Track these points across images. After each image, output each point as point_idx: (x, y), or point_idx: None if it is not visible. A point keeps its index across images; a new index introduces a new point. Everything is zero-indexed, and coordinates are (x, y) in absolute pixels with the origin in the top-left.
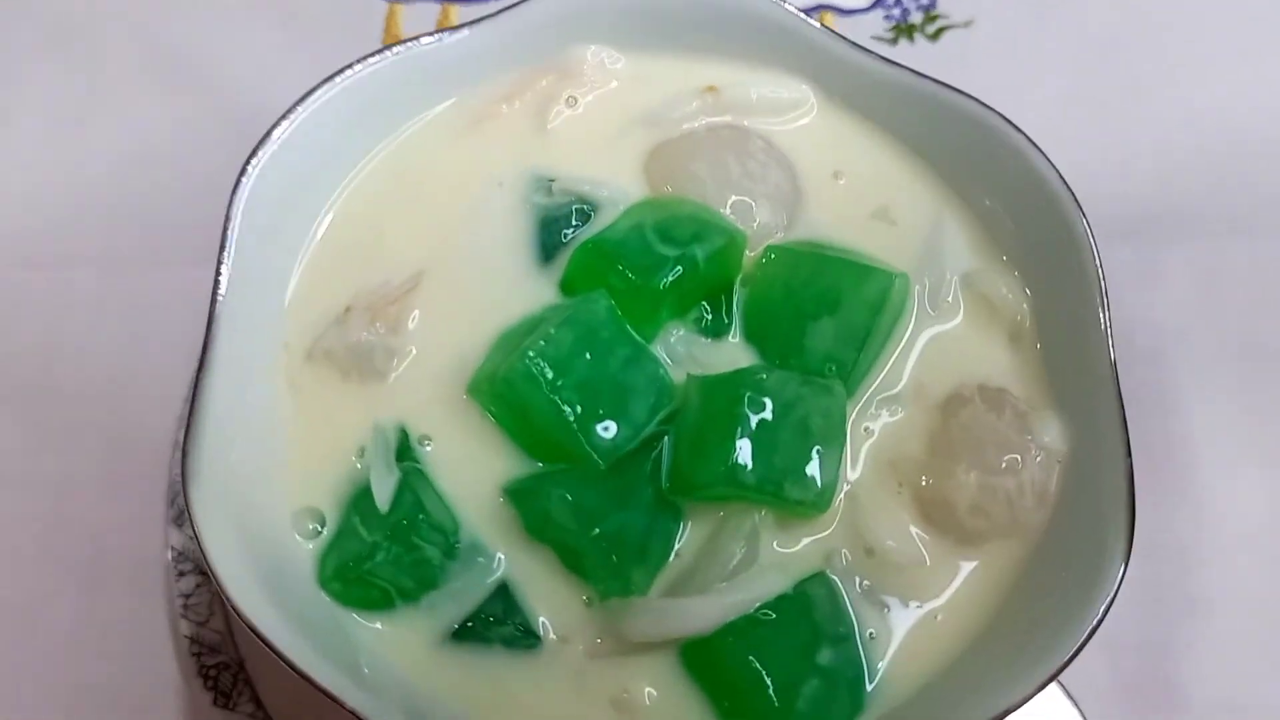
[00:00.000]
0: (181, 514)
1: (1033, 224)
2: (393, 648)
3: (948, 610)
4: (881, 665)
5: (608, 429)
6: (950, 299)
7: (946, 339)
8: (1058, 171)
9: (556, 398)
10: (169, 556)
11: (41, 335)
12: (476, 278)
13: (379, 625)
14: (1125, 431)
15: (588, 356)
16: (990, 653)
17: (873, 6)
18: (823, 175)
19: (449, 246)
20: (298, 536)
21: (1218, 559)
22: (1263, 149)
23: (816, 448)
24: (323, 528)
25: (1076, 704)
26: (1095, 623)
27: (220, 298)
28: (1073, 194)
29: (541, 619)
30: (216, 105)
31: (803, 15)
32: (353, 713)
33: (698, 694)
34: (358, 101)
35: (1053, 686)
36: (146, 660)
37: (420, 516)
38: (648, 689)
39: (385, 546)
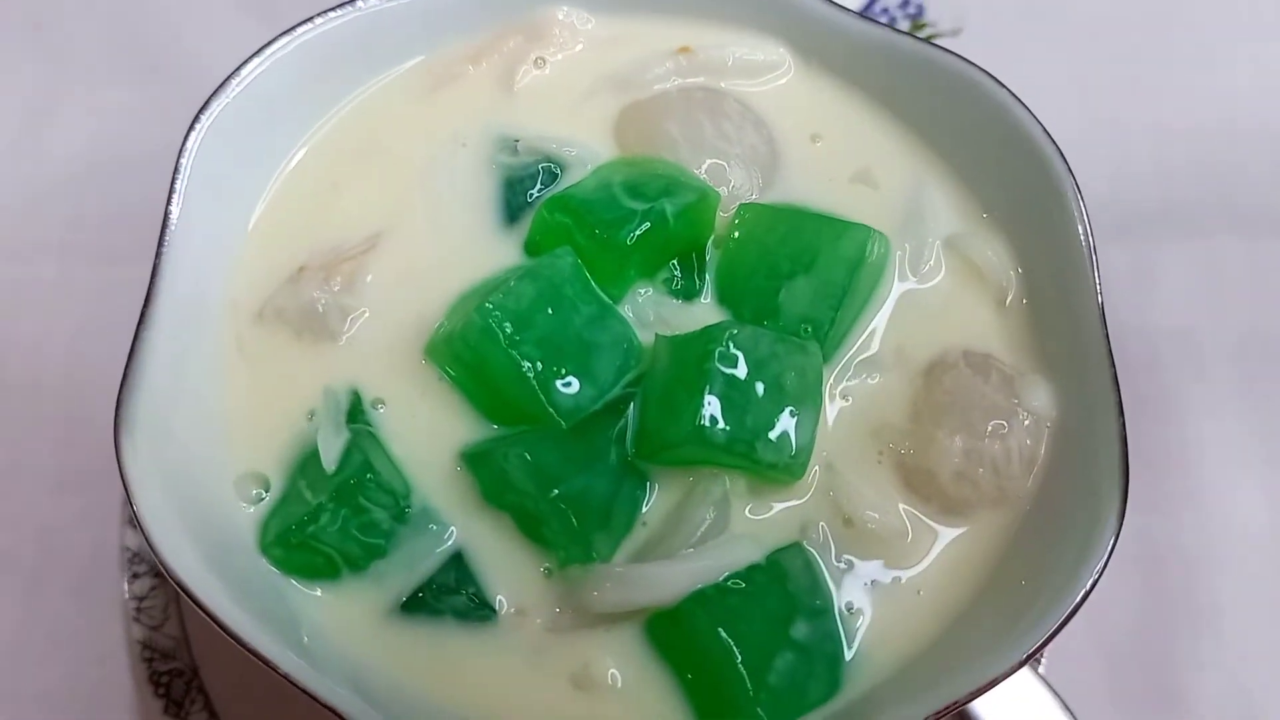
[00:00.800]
0: None
1: (1017, 181)
2: (337, 619)
3: (931, 584)
4: (860, 641)
5: (570, 386)
6: (933, 263)
7: (929, 303)
8: (1042, 126)
9: (515, 353)
10: (123, 557)
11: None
12: (436, 238)
13: (318, 592)
14: (1117, 393)
15: (550, 312)
16: (975, 628)
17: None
18: (800, 138)
19: (409, 206)
20: (240, 502)
21: (1223, 566)
22: (1258, 151)
23: (791, 408)
24: (267, 493)
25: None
26: (1085, 591)
27: (165, 249)
28: (1058, 148)
29: (497, 592)
30: (184, 98)
31: None
32: (287, 679)
33: (663, 670)
34: (317, 56)
35: (1049, 697)
36: (94, 666)
37: (368, 476)
38: (610, 666)
39: (330, 508)
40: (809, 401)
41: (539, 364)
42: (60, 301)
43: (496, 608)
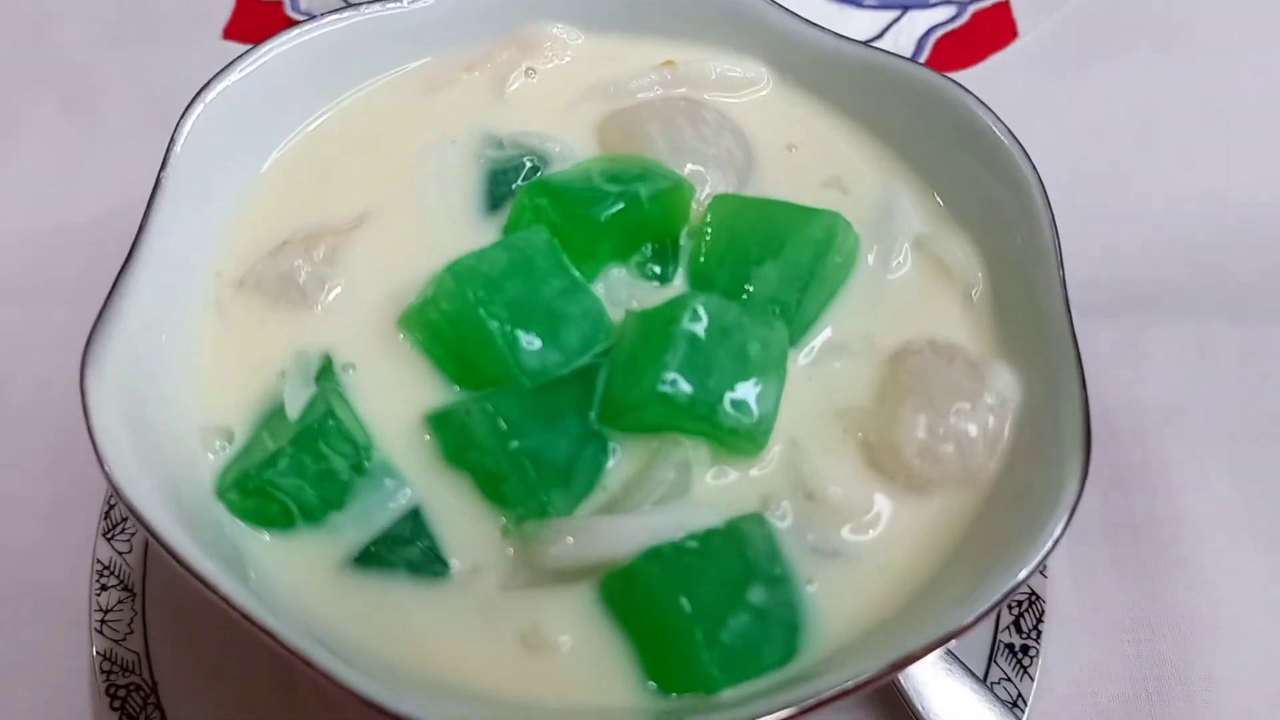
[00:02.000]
0: (115, 526)
1: (983, 181)
2: (288, 569)
3: (892, 559)
4: (819, 612)
5: (534, 346)
6: (902, 260)
7: (898, 298)
8: (1007, 127)
9: (483, 310)
10: (93, 569)
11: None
12: (419, 222)
13: (266, 537)
14: (1082, 376)
15: (520, 280)
16: (936, 598)
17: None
18: (776, 147)
19: (395, 192)
20: (203, 450)
21: (1217, 636)
22: (1245, 237)
23: (755, 378)
24: (230, 444)
25: None
26: (1049, 548)
27: (153, 213)
28: (1021, 147)
29: (453, 549)
30: None
31: None
32: (240, 613)
33: (616, 633)
34: (318, 53)
35: None
36: (56, 680)
37: (330, 423)
38: (561, 627)
39: (290, 453)
40: (773, 372)
41: (506, 325)
42: (66, 344)
43: (450, 564)
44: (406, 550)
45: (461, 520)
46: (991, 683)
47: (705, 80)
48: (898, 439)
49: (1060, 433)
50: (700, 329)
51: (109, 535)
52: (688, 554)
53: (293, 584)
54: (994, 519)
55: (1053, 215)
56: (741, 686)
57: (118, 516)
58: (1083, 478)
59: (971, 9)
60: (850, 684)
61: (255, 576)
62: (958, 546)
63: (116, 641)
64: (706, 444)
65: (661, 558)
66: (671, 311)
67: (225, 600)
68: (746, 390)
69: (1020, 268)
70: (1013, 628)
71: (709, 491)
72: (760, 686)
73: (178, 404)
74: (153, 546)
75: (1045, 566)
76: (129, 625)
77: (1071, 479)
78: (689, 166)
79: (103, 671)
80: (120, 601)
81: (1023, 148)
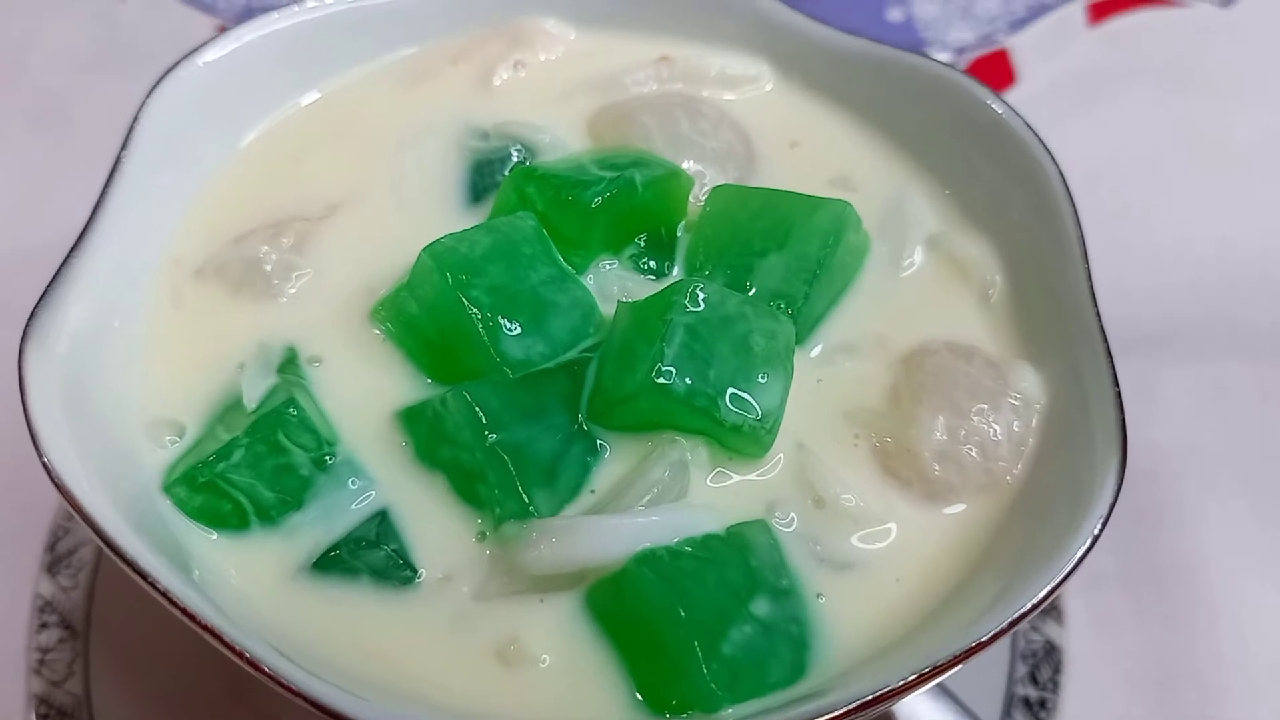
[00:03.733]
0: (58, 561)
1: (999, 176)
2: (238, 571)
3: (910, 572)
4: (829, 628)
5: (519, 337)
6: (914, 260)
7: (911, 299)
8: (1023, 119)
9: (462, 295)
10: (34, 605)
11: None
12: (396, 213)
13: (214, 536)
14: (1113, 372)
15: (504, 264)
16: (956, 615)
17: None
18: (779, 144)
19: (371, 182)
20: (149, 444)
21: (1240, 681)
22: (1257, 279)
23: (759, 372)
24: (180, 439)
25: None
26: (1083, 552)
27: (110, 191)
28: (1040, 138)
29: (423, 556)
30: None
31: None
32: (184, 611)
33: (603, 647)
34: (295, 39)
35: None
36: None
37: (291, 411)
38: (542, 640)
39: (245, 444)
40: (779, 367)
41: (487, 310)
42: (9, 371)
43: (419, 571)
44: (371, 555)
45: (433, 524)
46: None
47: (704, 76)
48: (914, 442)
49: (1092, 432)
50: (700, 317)
51: (52, 569)
52: (684, 559)
53: (242, 589)
54: (1020, 527)
55: (1074, 206)
56: (745, 706)
57: (63, 549)
58: (1120, 477)
59: (969, 56)
60: (867, 697)
61: (200, 577)
62: (980, 557)
63: (55, 684)
64: (705, 444)
65: (655, 561)
66: (668, 298)
67: (167, 597)
68: (750, 385)
69: (1041, 264)
70: (1028, 679)
71: (708, 495)
72: (765, 706)
73: (125, 394)
74: (100, 579)
75: (1063, 614)
76: (69, 667)
77: (1108, 478)
78: (686, 163)
79: (39, 716)
80: (61, 640)
81: (1039, 138)
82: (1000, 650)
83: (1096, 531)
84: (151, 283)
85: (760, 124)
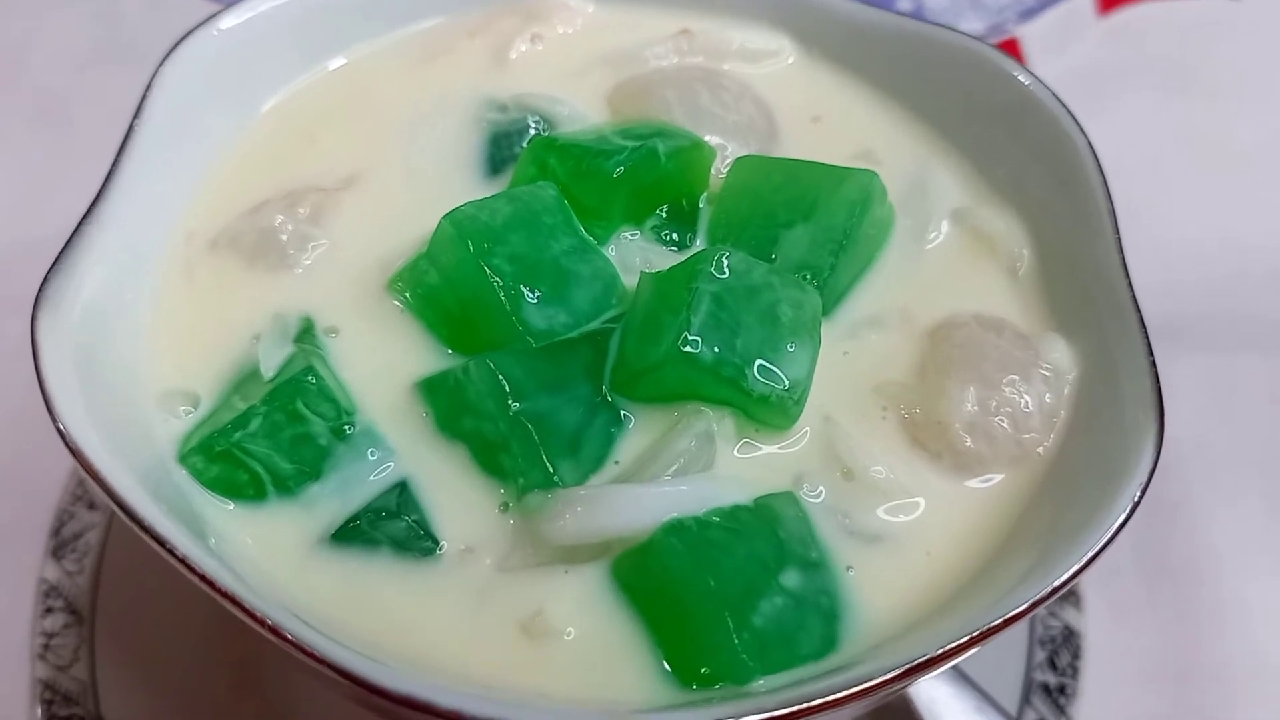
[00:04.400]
0: (63, 546)
1: (1026, 149)
2: (255, 542)
3: (941, 545)
4: (860, 601)
5: (541, 305)
6: (940, 234)
7: (937, 273)
8: (1051, 90)
9: (483, 263)
10: (39, 590)
11: None
12: (413, 185)
13: (231, 506)
14: (1147, 341)
15: (525, 233)
16: (991, 587)
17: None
18: (801, 118)
19: (387, 155)
20: (164, 415)
21: (1261, 686)
22: (1264, 275)
23: (787, 342)
24: (195, 409)
25: None
26: (1124, 516)
27: (123, 161)
28: (1068, 109)
29: (445, 527)
30: None
31: None
32: (201, 576)
33: (629, 619)
34: (309, 11)
35: None
36: None
37: (310, 379)
38: (567, 612)
39: (262, 412)
40: (806, 337)
41: (509, 279)
42: (20, 360)
43: (441, 542)
44: (391, 525)
45: (454, 496)
46: None
47: (725, 50)
48: (945, 414)
49: (1127, 403)
50: (726, 286)
51: (57, 554)
52: (713, 529)
53: (259, 559)
54: (1053, 499)
55: (1104, 177)
56: (776, 677)
57: (68, 534)
58: (1158, 446)
59: None
60: (905, 666)
61: (217, 546)
62: (1013, 530)
63: (60, 669)
64: (731, 415)
65: (683, 531)
66: (693, 266)
67: (185, 563)
68: (778, 354)
69: (1070, 236)
70: (1047, 665)
71: (734, 467)
72: (797, 678)
73: (138, 365)
74: (105, 563)
75: (1081, 600)
76: (74, 653)
77: (1145, 448)
78: (708, 136)
79: (43, 702)
80: (66, 626)
81: (1068, 109)
82: (1019, 636)
83: (1136, 499)
84: (164, 255)
85: (781, 98)
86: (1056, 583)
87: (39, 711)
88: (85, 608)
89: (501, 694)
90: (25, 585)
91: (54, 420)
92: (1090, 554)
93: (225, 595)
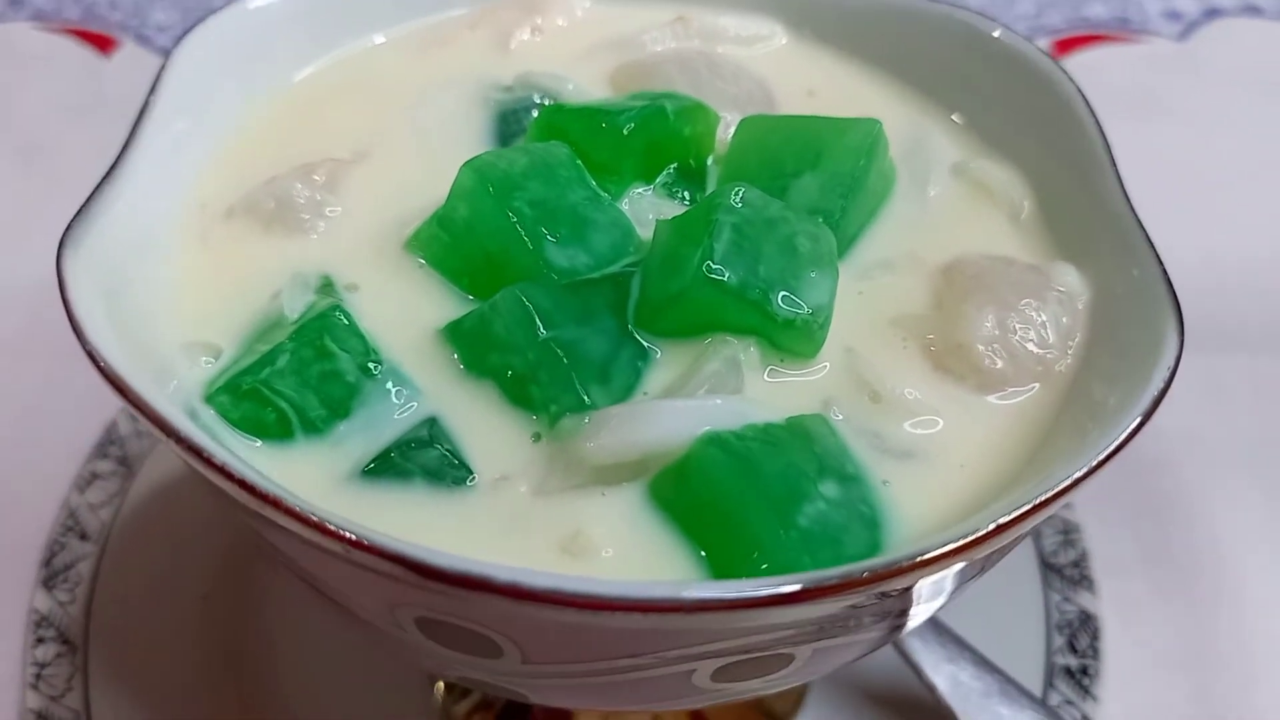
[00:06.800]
0: (54, 575)
1: (1018, 100)
2: (285, 480)
3: (973, 457)
4: (899, 510)
5: (563, 245)
6: (941, 187)
7: (940, 220)
8: (1034, 45)
9: (504, 206)
10: (29, 620)
11: None
12: (423, 157)
13: (259, 444)
14: (1158, 258)
15: (542, 182)
16: (1035, 481)
17: None
18: (797, 92)
19: (396, 133)
20: (187, 363)
21: (1271, 662)
22: (1240, 289)
23: (807, 270)
24: (216, 360)
25: None
26: (1152, 401)
27: (138, 130)
28: (1051, 59)
29: (477, 458)
30: None
31: None
32: (243, 484)
33: (669, 532)
34: (316, 5)
35: None
36: None
37: (338, 315)
38: (607, 535)
39: (290, 348)
40: (825, 266)
41: (530, 222)
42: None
43: (474, 472)
44: (424, 454)
45: (485, 431)
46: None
47: (720, 35)
48: (966, 337)
49: (1143, 309)
50: (744, 217)
51: (49, 584)
52: (750, 441)
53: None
54: (1078, 410)
55: (1095, 115)
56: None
57: (59, 564)
58: (1181, 335)
59: None
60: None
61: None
62: (1042, 442)
63: (53, 699)
64: (756, 344)
65: (722, 442)
66: (711, 201)
67: (223, 471)
68: (800, 282)
69: (1069, 175)
70: (1067, 649)
71: (762, 392)
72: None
73: (158, 317)
74: (98, 592)
75: (1095, 584)
76: (67, 682)
77: (1169, 337)
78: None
79: None
80: (59, 655)
81: (1050, 58)
82: (1035, 623)
83: (1168, 376)
84: (179, 223)
85: (777, 75)
86: (1114, 444)
87: None
88: (78, 637)
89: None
90: (16, 616)
91: (83, 343)
92: (1136, 421)
93: (267, 498)
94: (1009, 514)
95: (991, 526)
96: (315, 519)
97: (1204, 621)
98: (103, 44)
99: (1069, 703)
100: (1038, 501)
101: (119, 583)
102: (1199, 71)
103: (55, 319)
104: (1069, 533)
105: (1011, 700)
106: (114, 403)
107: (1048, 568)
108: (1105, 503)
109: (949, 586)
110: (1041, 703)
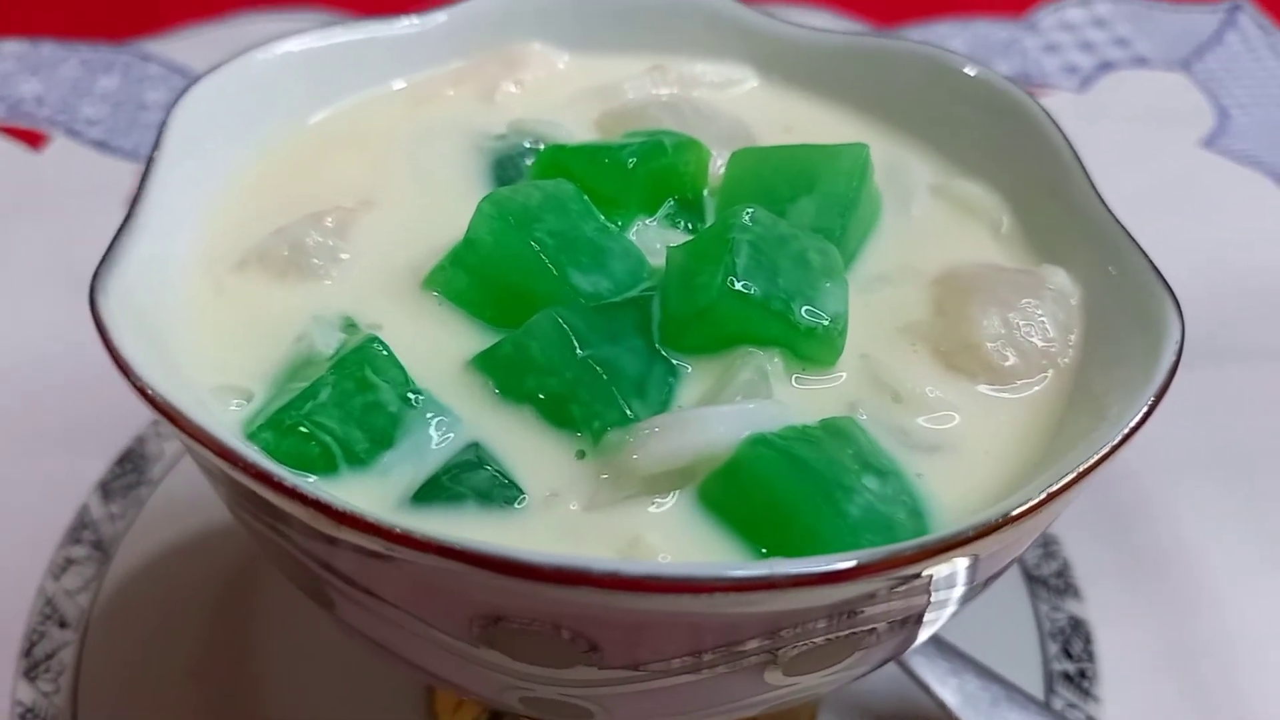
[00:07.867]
0: (35, 666)
1: (988, 126)
2: None
3: (996, 447)
4: (937, 499)
5: (585, 272)
6: (921, 207)
7: (927, 236)
8: (997, 74)
9: (526, 236)
10: (14, 714)
11: None
12: (427, 203)
13: (312, 479)
14: (1142, 250)
15: (556, 215)
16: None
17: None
18: (774, 129)
19: (398, 181)
20: (220, 405)
21: (1258, 658)
22: (1190, 302)
23: (821, 281)
24: (248, 402)
25: None
26: (1162, 381)
27: (146, 185)
28: (1017, 85)
29: (525, 478)
30: None
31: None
32: (302, 498)
33: (724, 534)
34: (306, 64)
35: None
36: None
37: (377, 345)
38: (662, 541)
39: (331, 382)
40: (837, 278)
41: (552, 251)
42: None
43: (524, 491)
44: (474, 477)
45: (528, 451)
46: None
47: (696, 79)
48: (974, 337)
49: (1138, 299)
50: (758, 235)
51: (30, 674)
52: (792, 440)
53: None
54: (1090, 397)
55: (1064, 134)
56: None
57: (40, 654)
58: (1180, 316)
59: None
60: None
61: None
62: (1059, 428)
63: None
64: (780, 354)
65: (768, 442)
66: (725, 222)
67: (284, 487)
68: (816, 291)
69: (1044, 188)
70: (1062, 655)
71: (791, 398)
72: None
73: (183, 365)
74: (82, 681)
75: (1080, 591)
76: None
77: (1170, 315)
78: None
79: None
80: None
81: (1015, 84)
82: (1028, 633)
83: (1176, 349)
84: (192, 276)
85: (753, 115)
86: (1143, 410)
87: None
88: None
89: None
90: None
91: (131, 380)
92: (1159, 385)
93: (344, 517)
94: (1057, 482)
95: (1043, 495)
96: (399, 531)
97: (1186, 617)
98: (32, 140)
99: (1073, 705)
100: (1081, 469)
101: (103, 668)
102: (1100, 117)
103: (12, 408)
104: (1048, 545)
105: (1020, 707)
106: (82, 489)
107: (1033, 580)
108: (1079, 516)
109: (983, 575)
110: (1048, 707)
